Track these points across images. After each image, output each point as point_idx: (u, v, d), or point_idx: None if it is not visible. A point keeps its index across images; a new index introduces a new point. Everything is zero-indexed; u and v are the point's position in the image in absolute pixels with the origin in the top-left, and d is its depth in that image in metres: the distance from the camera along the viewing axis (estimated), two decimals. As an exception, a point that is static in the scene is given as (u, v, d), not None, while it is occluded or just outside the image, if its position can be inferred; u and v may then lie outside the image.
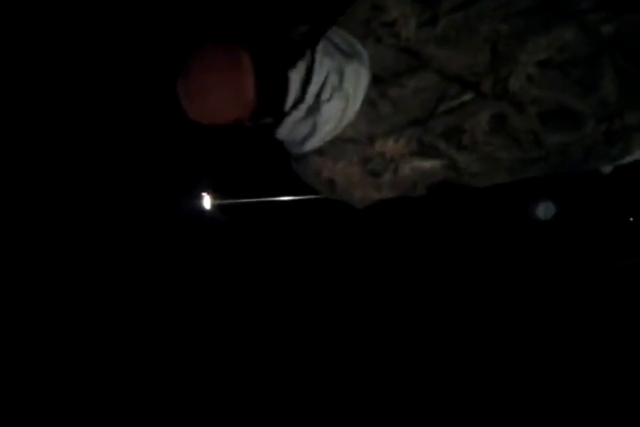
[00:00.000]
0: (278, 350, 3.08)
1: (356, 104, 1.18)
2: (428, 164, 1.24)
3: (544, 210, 2.48)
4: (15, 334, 2.93)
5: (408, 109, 1.20)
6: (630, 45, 1.16)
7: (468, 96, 1.18)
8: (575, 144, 1.23)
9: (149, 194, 3.20)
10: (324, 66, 1.14)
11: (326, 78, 1.14)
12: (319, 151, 1.25)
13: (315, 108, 1.16)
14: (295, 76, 1.15)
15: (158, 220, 3.23)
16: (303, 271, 3.13)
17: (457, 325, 2.88)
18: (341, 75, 1.15)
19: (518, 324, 2.75)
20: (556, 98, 1.17)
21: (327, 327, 3.07)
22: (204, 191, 3.14)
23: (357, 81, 1.16)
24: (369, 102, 1.19)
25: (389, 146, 1.21)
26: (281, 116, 1.20)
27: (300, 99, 1.16)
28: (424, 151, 1.22)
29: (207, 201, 3.12)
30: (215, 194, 3.12)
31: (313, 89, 1.15)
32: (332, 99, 1.15)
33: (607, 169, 1.61)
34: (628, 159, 1.42)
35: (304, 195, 2.79)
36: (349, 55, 1.16)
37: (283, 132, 1.24)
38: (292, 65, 1.14)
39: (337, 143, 1.23)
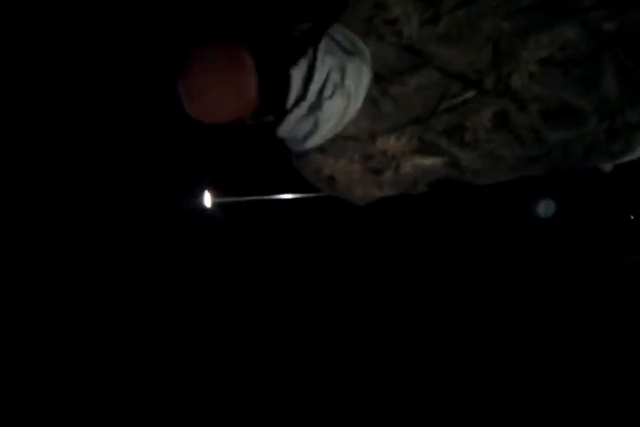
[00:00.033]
0: (278, 349, 3.08)
1: (357, 102, 1.18)
2: (429, 161, 1.24)
3: (545, 208, 2.48)
4: (15, 334, 2.93)
5: (409, 107, 1.20)
6: (632, 42, 1.16)
7: (469, 94, 1.19)
8: (577, 141, 1.23)
9: (149, 192, 3.20)
10: (325, 63, 1.14)
11: (328, 76, 1.14)
12: (320, 149, 1.25)
13: (316, 106, 1.16)
14: (297, 74, 1.15)
15: (158, 218, 3.23)
16: (304, 269, 3.13)
17: (457, 323, 2.88)
18: (343, 72, 1.15)
19: (520, 323, 2.75)
20: (557, 95, 1.17)
21: (327, 326, 3.07)
22: (205, 189, 3.14)
23: (359, 79, 1.16)
24: (370, 100, 1.19)
25: (391, 144, 1.22)
26: (282, 113, 1.21)
27: (301, 96, 1.16)
28: (425, 149, 1.23)
29: (208, 199, 3.12)
30: (216, 192, 3.12)
31: (315, 87, 1.15)
32: (334, 96, 1.15)
33: (608, 167, 1.61)
34: (629, 157, 1.43)
35: (305, 193, 2.79)
36: (351, 53, 1.16)
37: (284, 129, 1.24)
38: (294, 63, 1.14)
39: (338, 141, 1.23)
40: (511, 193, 2.53)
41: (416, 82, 1.18)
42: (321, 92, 1.15)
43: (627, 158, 1.43)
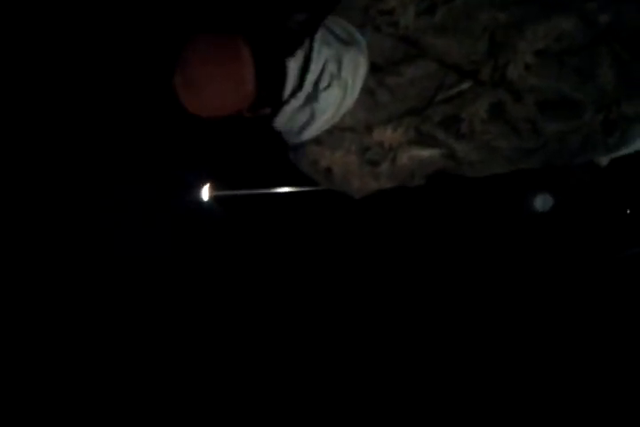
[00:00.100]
0: (277, 343, 3.09)
1: (354, 93, 1.18)
2: (426, 153, 1.24)
3: (542, 202, 2.48)
4: (16, 335, 2.93)
5: (406, 98, 1.20)
6: (627, 34, 1.16)
7: (466, 85, 1.19)
8: (573, 133, 1.24)
9: (146, 186, 3.19)
10: (322, 54, 1.14)
11: (324, 66, 1.14)
12: (317, 140, 1.25)
13: (313, 97, 1.16)
14: (293, 65, 1.15)
15: (156, 212, 3.23)
16: (301, 263, 3.14)
17: (455, 316, 2.89)
18: (340, 63, 1.15)
19: (518, 317, 2.76)
20: (553, 87, 1.18)
21: (326, 321, 3.08)
22: (203, 183, 3.14)
23: (356, 69, 1.16)
24: (367, 91, 1.19)
25: (387, 135, 1.22)
26: (279, 105, 1.21)
27: (297, 87, 1.16)
28: (422, 140, 1.23)
29: (206, 193, 3.12)
30: (214, 185, 3.12)
31: (311, 77, 1.15)
32: (331, 87, 1.15)
33: (604, 161, 1.61)
34: (625, 150, 1.43)
35: (302, 187, 2.79)
36: (348, 44, 1.16)
37: (280, 121, 1.24)
38: (291, 54, 1.14)
39: (335, 132, 1.23)
40: (508, 187, 2.53)
41: (412, 72, 1.18)
42: (317, 82, 1.15)
43: (623, 152, 1.43)
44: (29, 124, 2.95)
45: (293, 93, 1.17)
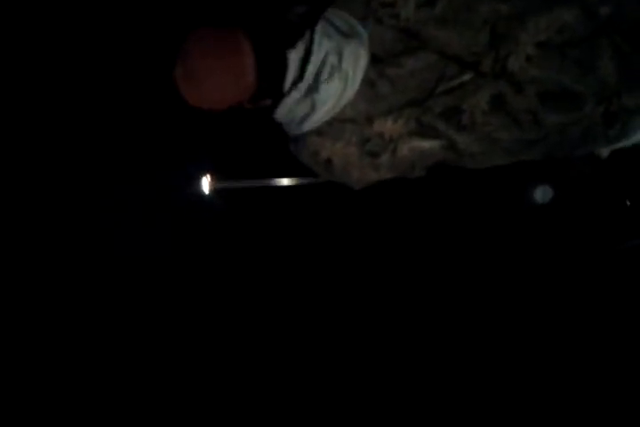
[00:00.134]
0: (276, 337, 3.10)
1: (354, 84, 1.18)
2: (426, 144, 1.24)
3: (542, 194, 2.49)
4: (16, 335, 2.93)
5: (406, 89, 1.20)
6: (628, 26, 1.16)
7: (467, 76, 1.19)
8: (574, 125, 1.24)
9: (146, 180, 3.19)
10: (322, 46, 1.14)
11: (325, 58, 1.15)
12: (317, 132, 1.26)
13: (313, 88, 1.17)
14: (294, 57, 1.15)
15: (156, 205, 3.23)
16: (301, 255, 3.14)
17: (453, 307, 2.90)
18: (340, 55, 1.15)
19: (517, 309, 2.77)
20: (554, 78, 1.18)
21: (326, 314, 3.09)
22: (203, 175, 3.14)
23: (356, 61, 1.16)
24: (368, 82, 1.19)
25: (388, 126, 1.22)
26: (280, 96, 1.21)
27: (298, 78, 1.16)
28: (423, 131, 1.23)
29: (206, 185, 3.12)
30: (214, 177, 3.12)
31: (311, 69, 1.15)
32: (332, 78, 1.16)
33: (604, 153, 1.61)
34: (626, 143, 1.43)
35: (303, 178, 2.79)
36: (349, 36, 1.16)
37: (281, 112, 1.24)
38: (291, 46, 1.14)
39: (335, 124, 1.23)
40: (508, 179, 2.53)
41: (413, 64, 1.18)
42: (318, 74, 1.15)
43: (623, 144, 1.43)
44: (28, 119, 2.95)
45: (294, 85, 1.17)
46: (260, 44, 1.13)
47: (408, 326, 2.93)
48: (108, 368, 2.98)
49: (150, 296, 3.15)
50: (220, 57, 1.11)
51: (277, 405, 2.93)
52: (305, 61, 1.14)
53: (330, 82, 1.16)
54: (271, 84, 1.18)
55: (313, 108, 1.19)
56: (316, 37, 1.14)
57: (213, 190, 3.11)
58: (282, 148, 1.40)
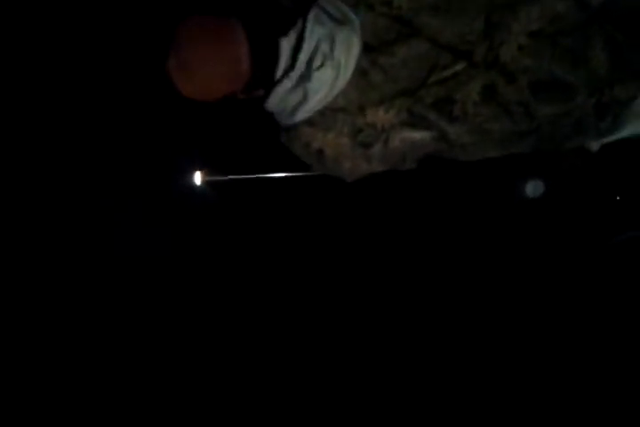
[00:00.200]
0: (272, 332, 3.09)
1: (347, 72, 1.17)
2: (418, 135, 1.24)
3: (533, 188, 2.50)
4: (16, 334, 2.91)
5: (398, 79, 1.20)
6: (620, 15, 1.16)
7: (460, 66, 1.18)
8: (566, 116, 1.24)
9: (139, 172, 3.17)
10: (314, 33, 1.13)
11: (317, 46, 1.14)
12: (309, 122, 1.25)
13: (305, 77, 1.16)
14: (285, 44, 1.14)
15: (149, 198, 3.21)
16: (296, 249, 3.14)
17: (446, 302, 2.90)
18: (333, 42, 1.14)
19: (509, 301, 2.78)
20: (546, 68, 1.18)
21: (321, 307, 3.09)
22: (195, 168, 3.13)
23: (349, 49, 1.16)
24: (360, 71, 1.18)
25: (380, 116, 1.21)
26: (272, 85, 1.20)
27: (290, 67, 1.15)
28: (414, 122, 1.23)
29: (198, 178, 3.11)
30: (206, 170, 3.11)
31: (303, 56, 1.14)
32: (324, 67, 1.15)
33: (595, 146, 1.62)
34: (616, 136, 1.43)
35: (296, 172, 2.79)
36: (341, 23, 1.15)
37: (272, 101, 1.23)
38: (283, 33, 1.13)
39: (327, 113, 1.22)
40: (499, 173, 2.54)
41: (405, 52, 1.17)
42: (310, 62, 1.14)
43: (614, 137, 1.44)
44: (27, 118, 2.92)
45: (286, 73, 1.16)
46: (254, 32, 1.12)
47: (398, 317, 2.94)
48: (107, 366, 2.97)
49: (146, 289, 3.14)
50: (214, 46, 1.10)
51: (275, 401, 2.93)
52: (297, 49, 1.13)
53: (322, 70, 1.15)
54: (265, 73, 1.17)
55: (305, 97, 1.18)
56: (309, 25, 1.13)
57: (205, 183, 3.10)
58: (273, 139, 1.40)
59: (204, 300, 3.20)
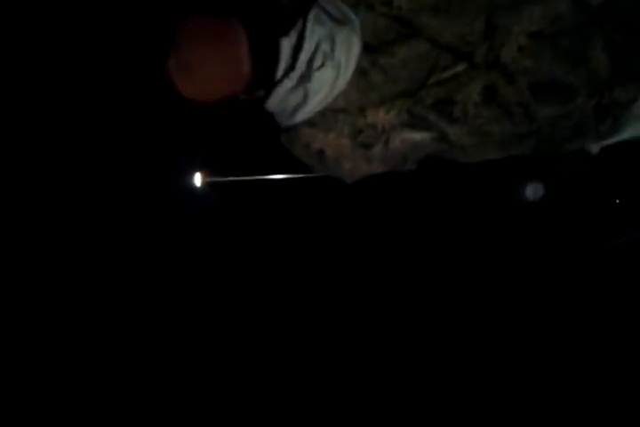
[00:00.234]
0: (271, 330, 3.09)
1: (347, 73, 1.17)
2: (418, 136, 1.24)
3: (532, 191, 2.50)
4: (15, 333, 2.91)
5: (399, 79, 1.19)
6: (620, 15, 1.16)
7: (460, 67, 1.18)
8: (566, 118, 1.24)
9: (140, 173, 3.17)
10: (315, 33, 1.13)
11: (317, 46, 1.13)
12: (309, 123, 1.25)
13: (306, 77, 1.15)
14: (286, 44, 1.14)
15: (149, 197, 3.21)
16: (295, 250, 3.14)
17: (449, 306, 2.90)
18: (333, 42, 1.14)
19: (508, 302, 2.77)
20: (547, 69, 1.18)
21: (320, 306, 3.08)
22: (196, 169, 3.13)
23: (349, 49, 1.15)
24: (360, 71, 1.18)
25: (380, 117, 1.21)
26: (272, 86, 1.20)
27: (290, 67, 1.15)
28: (415, 123, 1.22)
29: (198, 179, 3.11)
30: (206, 172, 3.11)
31: (304, 56, 1.14)
32: (324, 67, 1.15)
33: (595, 149, 1.62)
34: (616, 138, 1.43)
35: (296, 173, 2.79)
36: (341, 23, 1.15)
37: (273, 102, 1.23)
38: (284, 33, 1.13)
39: (327, 114, 1.22)
40: (499, 176, 2.54)
41: (405, 53, 1.17)
42: (310, 62, 1.14)
43: (614, 139, 1.43)
44: (26, 119, 2.92)
45: (286, 73, 1.16)
46: (255, 32, 1.11)
47: (399, 319, 2.93)
48: (106, 366, 2.97)
49: (146, 290, 3.13)
50: (215, 46, 1.10)
51: (275, 401, 2.92)
52: (297, 49, 1.13)
53: (322, 70, 1.15)
54: (266, 74, 1.17)
55: (305, 97, 1.18)
56: (309, 24, 1.13)
57: (205, 184, 3.10)
58: (273, 141, 1.39)
59: (205, 301, 3.20)
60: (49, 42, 2.79)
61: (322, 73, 1.15)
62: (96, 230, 3.15)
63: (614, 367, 2.43)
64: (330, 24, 1.14)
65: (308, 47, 1.13)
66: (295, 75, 1.15)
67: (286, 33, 1.13)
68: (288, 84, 1.17)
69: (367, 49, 1.18)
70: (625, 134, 1.41)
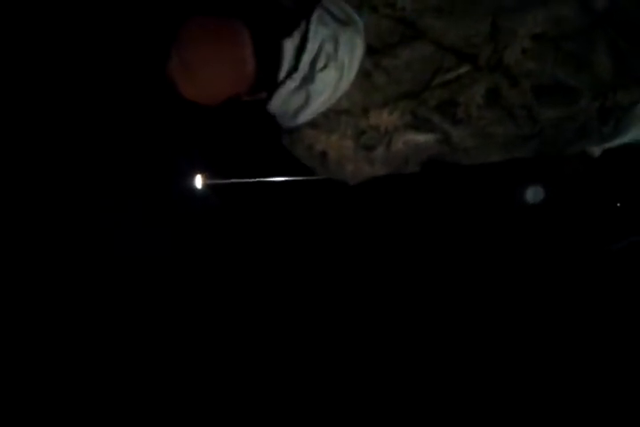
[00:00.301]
0: (272, 333, 3.09)
1: (350, 74, 1.17)
2: (421, 137, 1.24)
3: (533, 194, 2.50)
4: (16, 335, 2.90)
5: (402, 81, 1.19)
6: (623, 21, 1.17)
7: (464, 69, 1.18)
8: (569, 120, 1.24)
9: (140, 175, 3.17)
10: (318, 34, 1.13)
11: (321, 46, 1.13)
12: (312, 124, 1.24)
13: (309, 78, 1.15)
14: (289, 45, 1.14)
15: (150, 201, 3.21)
16: (297, 253, 3.13)
17: (450, 309, 2.90)
18: (336, 43, 1.14)
19: (509, 306, 2.77)
20: (550, 72, 1.18)
21: (322, 309, 3.08)
22: (196, 171, 3.12)
23: (352, 50, 1.15)
24: (363, 73, 1.18)
25: (383, 118, 1.21)
26: (275, 87, 1.19)
27: (293, 68, 1.15)
28: (418, 124, 1.22)
29: (199, 181, 3.11)
30: (207, 174, 3.11)
31: (307, 57, 1.14)
32: (327, 68, 1.14)
33: (597, 151, 1.62)
34: (619, 141, 1.44)
35: (297, 176, 2.79)
36: (345, 23, 1.15)
37: (275, 103, 1.23)
38: (287, 34, 1.13)
39: (330, 115, 1.22)
40: (500, 179, 2.54)
41: (408, 54, 1.17)
42: (313, 63, 1.14)
43: (616, 142, 1.44)
44: (26, 120, 2.92)
45: (289, 75, 1.15)
46: (258, 33, 1.11)
47: (400, 321, 2.93)
48: (106, 366, 2.96)
49: (146, 292, 3.13)
50: (218, 47, 1.09)
51: (275, 401, 2.92)
52: (300, 50, 1.13)
53: (325, 71, 1.14)
54: (269, 75, 1.16)
55: (308, 99, 1.18)
56: (312, 25, 1.12)
57: (206, 186, 3.10)
58: (275, 143, 1.39)
59: (205, 303, 3.19)
60: (49, 42, 2.79)
61: (325, 74, 1.15)
62: (96, 232, 3.15)
63: (615, 370, 2.43)
64: (333, 25, 1.14)
65: (311, 48, 1.13)
66: (298, 76, 1.15)
67: (289, 34, 1.13)
68: (291, 85, 1.17)
69: (371, 50, 1.18)
70: (628, 137, 1.41)
